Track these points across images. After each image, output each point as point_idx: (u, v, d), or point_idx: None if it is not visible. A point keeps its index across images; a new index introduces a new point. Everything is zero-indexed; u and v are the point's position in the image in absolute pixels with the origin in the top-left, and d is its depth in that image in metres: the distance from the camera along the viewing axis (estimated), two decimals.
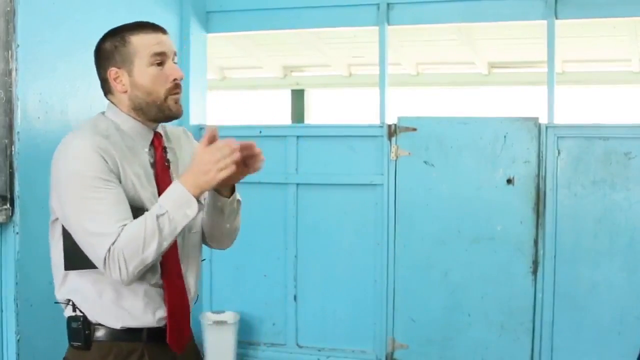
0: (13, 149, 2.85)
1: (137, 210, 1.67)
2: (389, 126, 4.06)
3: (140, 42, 1.75)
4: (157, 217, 1.61)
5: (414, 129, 4.03)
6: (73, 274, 1.76)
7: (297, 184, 4.21)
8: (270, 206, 4.28)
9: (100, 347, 1.73)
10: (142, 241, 1.60)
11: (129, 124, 1.78)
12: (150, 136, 1.81)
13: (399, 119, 4.06)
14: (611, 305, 3.78)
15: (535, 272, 3.88)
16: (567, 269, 3.84)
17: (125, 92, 1.76)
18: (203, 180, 1.62)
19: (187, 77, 4.28)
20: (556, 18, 3.92)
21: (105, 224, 1.61)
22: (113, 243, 1.60)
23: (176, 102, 1.77)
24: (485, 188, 3.93)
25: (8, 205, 2.85)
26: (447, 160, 3.98)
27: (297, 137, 4.23)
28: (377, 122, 4.15)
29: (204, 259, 1.98)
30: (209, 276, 4.37)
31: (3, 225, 2.89)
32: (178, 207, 1.62)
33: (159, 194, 1.72)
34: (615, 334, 3.76)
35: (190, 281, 1.84)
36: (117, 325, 1.73)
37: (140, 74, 1.74)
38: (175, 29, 4.22)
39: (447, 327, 4.01)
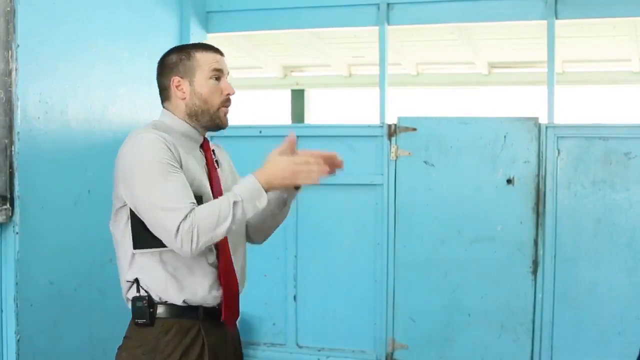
0: (13, 149, 2.85)
1: (197, 197, 1.87)
2: (389, 126, 4.06)
3: (203, 58, 2.02)
4: (234, 203, 1.82)
5: (414, 129, 4.03)
6: (139, 255, 1.92)
7: None
8: None
9: (162, 323, 1.91)
10: (216, 220, 1.81)
11: (184, 127, 2.02)
12: (201, 140, 2.06)
13: (399, 119, 4.07)
14: (611, 305, 3.78)
15: (535, 272, 3.88)
16: (567, 269, 3.84)
17: (184, 99, 2.01)
18: (279, 182, 1.90)
19: None
20: (556, 18, 3.92)
21: (176, 201, 1.80)
22: (185, 217, 1.78)
23: (225, 114, 2.04)
24: (485, 188, 3.93)
25: (8, 205, 2.85)
26: (447, 160, 3.98)
27: (297, 137, 4.19)
28: (377, 122, 4.15)
29: None
30: None
31: (3, 225, 2.89)
32: (251, 198, 1.85)
33: (212, 189, 1.98)
34: (615, 334, 3.76)
35: (237, 267, 2.03)
36: (179, 302, 1.91)
37: (200, 84, 2.00)
38: (175, 29, 4.22)
39: (447, 327, 4.01)
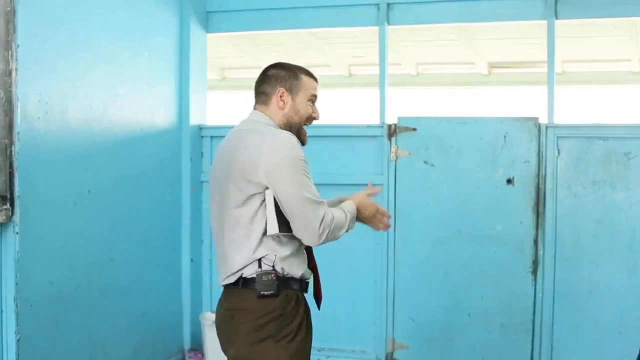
0: (13, 149, 2.86)
1: None
2: (389, 126, 4.06)
3: (308, 83, 2.37)
4: (350, 218, 2.28)
5: (414, 129, 4.03)
6: (268, 238, 2.18)
7: None
8: None
9: (286, 294, 2.20)
10: (341, 225, 2.24)
11: None
12: None
13: (399, 119, 4.06)
14: (611, 305, 3.78)
15: (535, 272, 3.88)
16: (567, 269, 3.84)
17: (283, 109, 2.32)
18: (362, 217, 2.36)
19: (187, 77, 4.29)
20: (556, 18, 3.92)
21: (317, 195, 2.18)
22: (326, 211, 2.17)
23: (306, 133, 2.39)
24: (485, 188, 3.93)
25: (8, 205, 2.85)
26: (447, 160, 3.98)
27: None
28: (377, 122, 4.15)
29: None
30: (209, 276, 4.37)
31: (3, 225, 2.89)
32: (352, 220, 2.31)
33: None
34: (615, 334, 3.76)
35: None
36: (298, 275, 2.24)
37: (299, 102, 2.34)
38: (175, 29, 4.22)
39: (447, 327, 4.01)
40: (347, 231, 2.28)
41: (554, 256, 3.85)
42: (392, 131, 4.05)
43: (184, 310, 4.31)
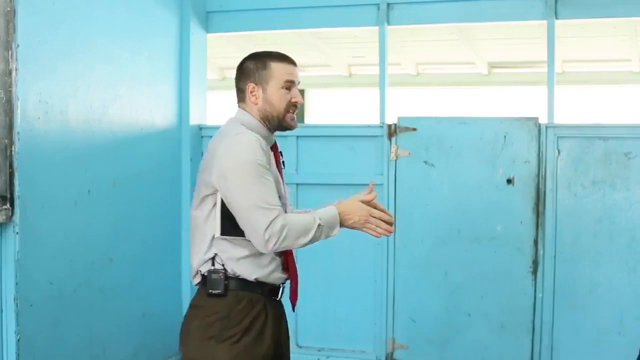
0: (13, 149, 2.86)
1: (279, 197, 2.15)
2: (389, 126, 4.06)
3: (278, 69, 2.23)
4: (318, 225, 2.12)
5: (414, 129, 4.03)
6: (220, 239, 2.15)
7: (297, 184, 4.21)
8: None
9: (236, 294, 2.15)
10: (301, 233, 2.10)
11: (262, 129, 2.23)
12: (273, 141, 2.29)
13: (399, 119, 4.06)
14: (611, 305, 3.78)
15: (535, 272, 3.88)
16: (567, 269, 3.84)
17: (257, 104, 2.23)
18: (350, 223, 2.20)
19: (187, 77, 4.28)
20: (556, 18, 3.92)
21: (269, 201, 2.07)
22: (277, 217, 2.05)
23: (292, 118, 2.26)
24: (485, 188, 3.93)
25: (8, 205, 2.85)
26: (447, 160, 3.98)
27: (297, 137, 4.22)
28: (377, 122, 4.15)
29: None
30: None
31: (3, 225, 2.89)
32: (329, 226, 2.16)
33: (282, 182, 2.25)
34: (615, 334, 3.76)
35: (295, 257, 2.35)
36: (251, 278, 2.16)
37: (272, 93, 2.22)
38: (175, 29, 4.22)
39: (447, 327, 4.01)
40: (324, 238, 2.17)
41: (554, 256, 3.85)
42: (392, 131, 4.05)
43: (184, 310, 4.29)
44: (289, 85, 2.24)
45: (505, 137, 3.90)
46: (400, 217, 4.05)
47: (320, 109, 8.20)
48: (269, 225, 2.04)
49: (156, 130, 4.02)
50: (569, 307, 3.85)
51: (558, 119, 3.91)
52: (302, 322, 4.28)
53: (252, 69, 2.24)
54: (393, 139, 4.04)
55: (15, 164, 2.86)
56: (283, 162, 2.34)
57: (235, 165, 2.09)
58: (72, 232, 3.30)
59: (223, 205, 2.13)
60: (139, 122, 3.85)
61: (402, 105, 6.55)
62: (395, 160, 4.05)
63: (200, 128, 4.38)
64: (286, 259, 2.27)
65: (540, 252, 3.87)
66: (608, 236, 3.78)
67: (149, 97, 3.95)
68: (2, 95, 2.82)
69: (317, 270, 4.25)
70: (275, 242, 2.06)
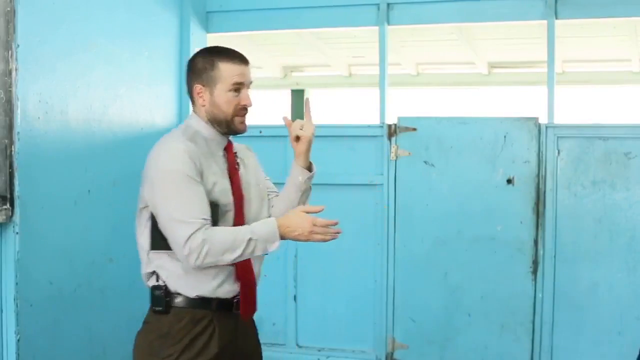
0: (13, 149, 2.85)
1: (213, 204, 2.04)
2: (389, 126, 4.06)
3: (227, 70, 2.11)
4: (249, 239, 2.00)
5: (414, 129, 4.03)
6: (155, 253, 2.08)
7: None
8: None
9: (176, 312, 2.08)
10: (227, 247, 1.98)
11: (209, 131, 2.16)
12: (225, 143, 2.20)
13: (399, 119, 4.06)
14: (611, 305, 3.77)
15: (535, 272, 3.88)
16: (567, 269, 3.84)
17: (204, 106, 2.14)
18: (293, 236, 2.07)
19: None
20: (556, 18, 3.92)
21: (188, 214, 1.96)
22: (196, 231, 1.94)
23: (241, 122, 2.17)
24: (485, 188, 3.93)
25: (8, 205, 2.85)
26: (447, 160, 3.98)
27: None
28: (377, 122, 4.15)
29: None
30: None
31: (3, 225, 2.89)
32: (265, 240, 2.03)
33: (232, 188, 2.14)
34: (615, 334, 3.76)
35: (255, 263, 2.21)
36: (192, 295, 2.07)
37: (219, 95, 2.12)
38: (175, 29, 4.22)
39: (447, 327, 4.01)
40: (260, 253, 2.06)
41: (554, 256, 3.85)
42: (392, 131, 4.05)
43: None
44: (238, 87, 2.13)
45: (505, 137, 3.90)
46: (400, 217, 4.05)
47: (320, 109, 8.19)
48: (187, 240, 1.94)
49: (156, 130, 4.01)
50: (569, 307, 3.85)
51: (558, 119, 3.91)
52: (302, 322, 4.28)
53: (200, 69, 2.13)
54: (393, 139, 4.04)
55: (15, 164, 2.86)
56: (238, 162, 2.24)
57: (159, 176, 2.03)
58: (72, 232, 3.30)
59: (154, 218, 2.06)
60: (139, 122, 3.85)
61: (402, 105, 6.55)
62: (395, 160, 4.05)
63: None
64: (237, 269, 2.13)
65: (540, 252, 3.87)
66: (608, 236, 3.78)
67: (149, 97, 3.95)
68: (2, 95, 2.82)
69: (317, 270, 4.25)
70: (197, 258, 1.96)
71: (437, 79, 6.90)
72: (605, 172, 3.78)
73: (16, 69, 2.85)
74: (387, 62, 4.22)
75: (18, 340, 2.91)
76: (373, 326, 4.16)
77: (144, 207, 2.11)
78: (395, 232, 4.07)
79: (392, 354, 4.10)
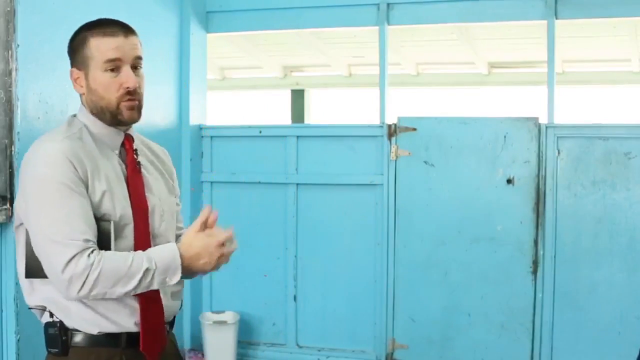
0: (13, 149, 2.85)
1: (101, 219, 1.63)
2: (389, 126, 4.06)
3: (97, 46, 1.70)
4: (146, 269, 1.58)
5: (414, 129, 4.03)
6: (40, 281, 1.66)
7: (297, 184, 4.21)
8: (270, 206, 4.28)
9: (77, 353, 1.66)
10: (119, 279, 1.57)
11: (97, 126, 1.75)
12: (121, 138, 1.80)
13: (399, 119, 4.06)
14: (611, 305, 3.78)
15: (535, 272, 3.88)
16: (567, 269, 3.84)
17: (83, 94, 1.74)
18: (200, 267, 1.64)
19: (187, 77, 4.29)
20: (556, 18, 3.92)
21: (69, 234, 1.55)
22: (75, 255, 1.54)
23: (130, 108, 1.74)
24: (485, 188, 3.93)
25: (8, 205, 2.85)
26: (447, 160, 3.98)
27: (297, 137, 4.23)
28: (377, 122, 4.15)
29: None
30: (209, 276, 4.37)
31: (3, 225, 2.89)
32: (165, 271, 1.61)
33: (130, 194, 1.71)
34: (615, 334, 3.76)
35: (166, 290, 1.76)
36: (94, 331, 1.66)
37: (93, 78, 1.70)
38: (175, 29, 4.22)
39: (447, 327, 4.01)
40: (157, 287, 1.62)
41: (554, 256, 3.85)
42: (392, 131, 4.05)
43: (184, 310, 4.30)
44: (114, 65, 1.69)
45: (505, 137, 3.90)
46: (400, 217, 4.05)
47: (320, 109, 8.20)
48: (66, 266, 1.53)
49: (156, 130, 4.01)
50: (569, 307, 3.85)
51: (558, 119, 3.91)
52: (302, 322, 4.28)
53: (74, 48, 1.72)
54: (393, 139, 4.04)
55: (15, 164, 2.86)
56: (139, 162, 1.83)
57: (31, 185, 1.60)
58: None
59: (28, 237, 1.64)
60: (139, 122, 3.84)
61: (402, 105, 6.56)
62: (395, 160, 4.05)
63: (201, 128, 4.39)
64: (140, 297, 1.67)
65: (540, 252, 3.87)
66: (608, 236, 3.78)
67: (149, 97, 3.91)
68: (2, 95, 2.82)
69: (317, 270, 4.25)
70: (81, 287, 1.54)
71: (437, 79, 6.91)
72: (605, 172, 3.78)
73: (16, 69, 2.85)
74: (387, 62, 4.22)
75: (18, 340, 2.91)
76: (373, 326, 4.16)
77: (20, 225, 1.69)
78: (395, 232, 4.07)
79: (392, 354, 4.10)
